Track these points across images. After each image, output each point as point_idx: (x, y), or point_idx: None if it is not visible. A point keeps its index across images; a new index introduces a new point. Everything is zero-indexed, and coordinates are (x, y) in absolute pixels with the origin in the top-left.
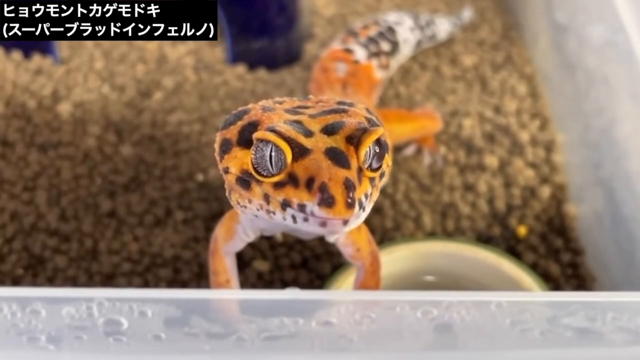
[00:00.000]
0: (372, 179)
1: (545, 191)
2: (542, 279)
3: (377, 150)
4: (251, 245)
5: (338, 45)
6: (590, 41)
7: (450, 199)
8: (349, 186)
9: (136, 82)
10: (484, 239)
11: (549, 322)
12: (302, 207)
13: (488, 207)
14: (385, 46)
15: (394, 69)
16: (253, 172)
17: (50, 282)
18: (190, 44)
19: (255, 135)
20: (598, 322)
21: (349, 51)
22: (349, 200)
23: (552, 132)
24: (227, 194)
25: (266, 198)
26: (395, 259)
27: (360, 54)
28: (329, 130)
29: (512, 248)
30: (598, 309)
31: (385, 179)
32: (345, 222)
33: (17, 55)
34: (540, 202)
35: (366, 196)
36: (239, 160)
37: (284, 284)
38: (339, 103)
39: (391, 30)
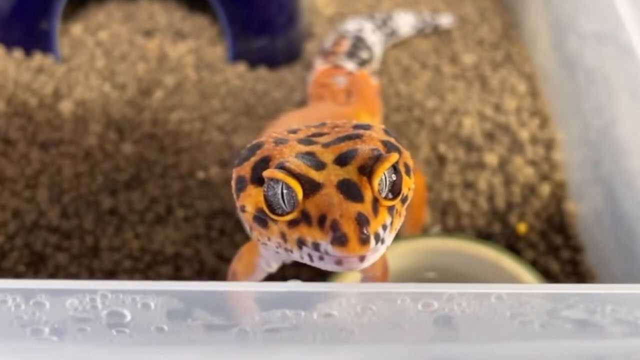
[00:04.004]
0: (390, 208)
1: (545, 189)
2: (542, 276)
3: (394, 178)
4: None
5: (325, 65)
6: (589, 40)
7: (450, 197)
8: (361, 222)
9: (137, 81)
10: (483, 237)
11: (549, 314)
12: (316, 246)
13: (488, 205)
14: (364, 54)
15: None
16: (267, 211)
17: (52, 279)
18: (191, 42)
19: (265, 174)
20: (597, 315)
21: (339, 67)
22: (363, 237)
23: (551, 130)
24: (247, 229)
25: (283, 236)
26: (396, 255)
27: (349, 66)
28: (341, 161)
29: (512, 245)
30: (597, 301)
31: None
32: (362, 258)
33: (18, 53)
34: (540, 200)
35: (384, 227)
36: (253, 198)
37: (285, 281)
38: (355, 127)
39: (360, 38)
